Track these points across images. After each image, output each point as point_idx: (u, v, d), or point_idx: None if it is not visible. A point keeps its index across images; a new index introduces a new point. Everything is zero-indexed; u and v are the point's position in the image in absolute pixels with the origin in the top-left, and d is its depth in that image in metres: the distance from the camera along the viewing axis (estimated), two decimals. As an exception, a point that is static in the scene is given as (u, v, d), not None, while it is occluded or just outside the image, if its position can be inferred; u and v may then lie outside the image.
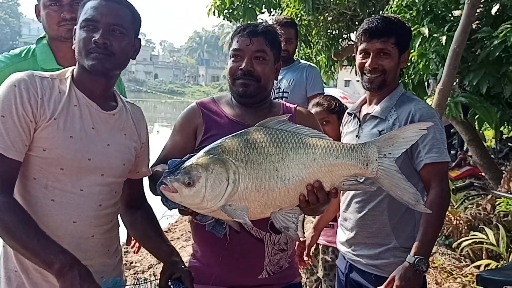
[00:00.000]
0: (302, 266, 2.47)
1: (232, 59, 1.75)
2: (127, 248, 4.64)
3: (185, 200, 1.38)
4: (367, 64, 2.03)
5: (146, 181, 1.80)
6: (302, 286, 1.91)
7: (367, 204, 2.03)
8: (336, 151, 1.46)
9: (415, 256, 1.80)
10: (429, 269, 4.05)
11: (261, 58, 1.72)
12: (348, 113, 2.27)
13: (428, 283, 3.88)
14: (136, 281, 1.64)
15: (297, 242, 2.16)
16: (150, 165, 1.77)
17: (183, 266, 1.56)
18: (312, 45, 7.48)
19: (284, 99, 3.36)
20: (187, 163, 1.40)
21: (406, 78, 4.80)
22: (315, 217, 2.48)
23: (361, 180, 1.61)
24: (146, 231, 1.71)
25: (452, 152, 8.54)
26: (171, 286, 1.53)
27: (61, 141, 1.46)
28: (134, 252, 2.67)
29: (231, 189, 1.38)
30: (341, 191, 2.14)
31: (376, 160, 1.47)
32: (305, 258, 2.41)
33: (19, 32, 79.26)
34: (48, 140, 1.45)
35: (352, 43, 7.90)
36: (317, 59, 7.72)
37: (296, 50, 3.83)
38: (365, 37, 2.03)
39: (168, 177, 1.37)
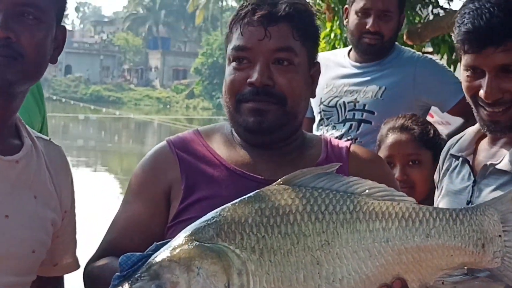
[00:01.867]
0: None
1: (234, 64, 1.26)
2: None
3: None
4: (484, 95, 1.33)
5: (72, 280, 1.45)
6: None
7: None
8: (426, 224, 1.05)
9: None
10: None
11: (285, 62, 1.22)
12: (452, 154, 1.54)
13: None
14: None
15: None
16: (80, 256, 1.36)
17: None
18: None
19: (364, 125, 2.23)
20: (153, 259, 0.99)
21: None
22: None
23: (477, 274, 1.14)
24: None
25: None
26: None
27: None
28: None
29: None
30: None
31: (500, 236, 1.07)
32: None
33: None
34: None
35: (441, 13, 4.69)
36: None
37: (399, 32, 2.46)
38: (471, 47, 1.31)
39: (121, 285, 0.98)
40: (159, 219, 1.27)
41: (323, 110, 2.34)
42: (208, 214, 1.05)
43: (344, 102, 2.29)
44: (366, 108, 2.27)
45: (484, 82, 1.32)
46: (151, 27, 58.70)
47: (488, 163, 1.41)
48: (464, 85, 1.40)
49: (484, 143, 1.50)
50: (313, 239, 1.02)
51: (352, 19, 2.29)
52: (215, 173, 1.27)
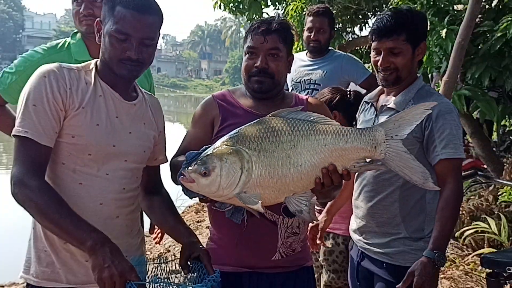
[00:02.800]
0: (314, 250, 2.52)
1: (247, 56, 1.81)
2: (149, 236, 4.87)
3: (202, 189, 1.46)
4: (378, 63, 2.02)
5: (163, 168, 1.89)
6: (313, 270, 1.98)
7: (377, 194, 2.07)
8: (346, 136, 1.52)
9: (434, 251, 1.83)
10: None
11: (275, 55, 1.78)
12: (365, 101, 2.27)
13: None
14: (158, 260, 1.72)
15: (309, 227, 2.22)
16: (170, 157, 1.86)
17: (201, 246, 1.63)
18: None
19: (315, 91, 3.32)
20: (203, 154, 1.48)
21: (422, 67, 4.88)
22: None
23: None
24: (164, 214, 1.79)
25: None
26: (191, 265, 1.59)
27: (89, 129, 1.56)
28: (155, 242, 2.76)
29: (245, 177, 1.45)
30: (355, 178, 2.21)
31: (384, 142, 1.52)
32: (318, 242, 2.45)
33: (22, 25, 79.11)
34: (77, 127, 1.55)
35: (356, 37, 7.99)
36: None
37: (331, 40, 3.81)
38: (375, 36, 2.02)
39: (186, 168, 1.46)
40: (208, 136, 1.82)
41: (293, 84, 3.51)
42: (231, 132, 1.54)
43: (304, 79, 3.47)
44: (316, 83, 3.43)
45: (380, 57, 2.01)
46: (202, 47, 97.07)
47: (383, 104, 2.10)
48: (372, 61, 2.08)
49: (382, 95, 2.18)
50: (287, 144, 1.49)
51: (305, 34, 3.54)
52: (236, 111, 1.84)
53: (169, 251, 4.76)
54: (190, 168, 1.45)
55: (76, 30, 2.28)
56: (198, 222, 5.72)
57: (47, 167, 1.56)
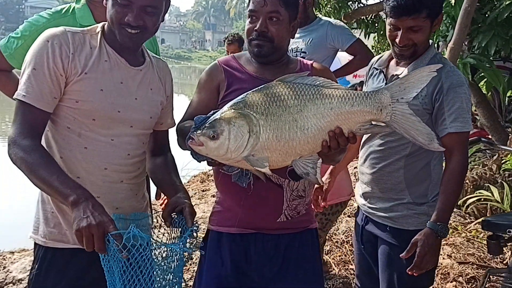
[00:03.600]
0: (318, 211, 2.52)
1: (249, 20, 1.81)
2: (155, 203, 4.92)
3: (211, 152, 1.48)
4: (397, 40, 1.96)
5: (171, 132, 1.93)
6: (317, 232, 2.01)
7: (383, 161, 2.08)
8: (351, 100, 1.52)
9: (438, 223, 1.86)
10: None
11: (274, 19, 1.76)
12: (374, 67, 2.22)
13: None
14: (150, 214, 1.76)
15: (314, 188, 2.24)
16: (177, 122, 1.87)
17: (185, 201, 1.62)
18: (320, 7, 7.46)
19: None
20: (212, 118, 1.49)
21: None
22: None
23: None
24: (163, 174, 1.80)
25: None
26: (173, 218, 1.60)
27: (92, 94, 1.58)
28: (162, 209, 2.84)
29: (253, 140, 1.47)
30: (361, 145, 2.23)
31: (390, 105, 1.53)
32: (322, 204, 2.46)
33: (24, -4, 78.50)
34: (80, 92, 1.57)
35: (362, 6, 7.89)
36: (326, 21, 7.72)
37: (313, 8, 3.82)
38: (393, 13, 1.94)
39: (195, 132, 1.47)
40: (214, 101, 1.83)
41: None
42: (238, 97, 1.53)
43: (291, 48, 3.51)
44: (302, 51, 3.50)
45: (399, 34, 1.95)
46: (206, 18, 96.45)
47: (394, 73, 2.01)
48: (387, 34, 2.02)
49: (392, 62, 2.13)
50: (293, 108, 1.49)
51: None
52: (242, 76, 1.84)
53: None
54: (199, 131, 1.47)
55: None
56: (203, 191, 5.77)
57: (54, 131, 1.60)
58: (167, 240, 1.64)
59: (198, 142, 1.46)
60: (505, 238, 2.53)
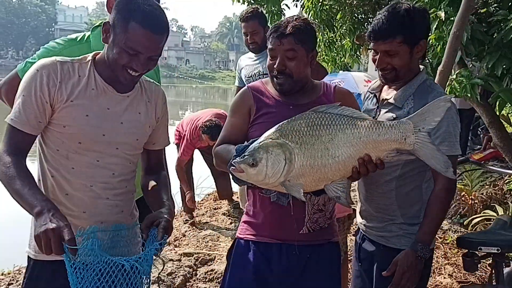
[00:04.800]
0: None
1: (269, 57, 1.96)
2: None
3: (251, 178, 1.64)
4: (377, 64, 2.05)
5: (168, 151, 2.09)
6: (339, 245, 2.12)
7: (375, 182, 2.13)
8: (378, 129, 1.65)
9: (419, 244, 1.92)
10: (440, 244, 4.23)
11: (291, 56, 1.90)
12: (368, 91, 2.31)
13: (437, 257, 4.05)
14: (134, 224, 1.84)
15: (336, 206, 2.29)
16: (215, 145, 2.02)
17: (165, 216, 1.68)
18: (335, 29, 7.57)
19: None
20: (251, 147, 1.65)
21: (426, 60, 4.88)
22: None
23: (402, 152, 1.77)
24: (153, 191, 1.88)
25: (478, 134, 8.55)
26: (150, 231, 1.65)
27: (78, 119, 1.70)
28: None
29: (288, 167, 1.62)
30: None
31: (413, 134, 1.65)
32: None
33: (54, 19, 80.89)
34: (67, 118, 1.69)
35: None
36: (342, 42, 7.79)
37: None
38: (371, 37, 2.03)
39: (236, 160, 1.63)
40: (246, 124, 1.99)
41: (246, 79, 3.88)
42: (276, 126, 1.68)
43: (254, 73, 3.86)
44: (263, 73, 3.71)
45: (377, 57, 2.03)
46: (230, 39, 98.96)
47: (384, 98, 2.14)
48: (371, 58, 2.11)
49: (385, 87, 2.20)
50: (325, 137, 1.64)
51: (244, 38, 4.05)
52: (269, 101, 1.99)
53: (184, 235, 4.93)
54: (239, 159, 1.62)
55: (96, 24, 2.40)
56: (215, 209, 5.88)
57: (44, 152, 1.75)
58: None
59: (239, 169, 1.62)
60: (478, 255, 2.57)
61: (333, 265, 2.04)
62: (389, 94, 2.15)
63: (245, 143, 1.75)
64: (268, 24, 4.16)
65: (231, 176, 1.74)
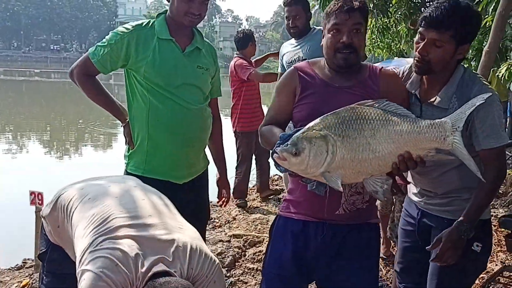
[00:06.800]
0: None
1: (332, 33, 1.93)
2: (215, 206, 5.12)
3: (292, 166, 1.69)
4: (418, 49, 2.00)
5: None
6: (378, 227, 2.14)
7: (436, 171, 2.10)
8: (419, 128, 1.68)
9: (464, 223, 1.95)
10: (494, 232, 4.09)
11: (358, 31, 1.92)
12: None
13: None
14: None
15: None
16: (261, 124, 2.10)
17: None
18: (390, 14, 7.40)
19: None
20: (294, 136, 1.69)
21: (483, 44, 4.71)
22: None
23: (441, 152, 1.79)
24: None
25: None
26: None
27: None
28: (220, 205, 3.14)
29: (330, 159, 1.65)
30: None
31: (452, 134, 1.67)
32: None
33: (115, 12, 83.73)
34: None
35: None
36: (397, 28, 7.62)
37: (311, 20, 4.18)
38: (424, 22, 1.98)
39: (279, 148, 1.68)
40: (291, 104, 2.01)
41: (287, 65, 3.96)
42: (320, 117, 1.71)
43: (294, 59, 3.90)
44: (303, 58, 3.71)
45: (421, 44, 1.98)
46: (284, 28, 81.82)
47: (428, 101, 2.05)
48: (415, 43, 2.04)
49: (423, 85, 2.11)
50: (367, 132, 1.66)
51: (286, 22, 4.09)
52: (314, 82, 2.00)
53: (234, 219, 5.05)
54: (283, 147, 1.67)
55: (161, 11, 2.58)
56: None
57: None
58: None
59: (281, 157, 1.67)
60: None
61: (370, 246, 2.06)
62: (431, 94, 2.09)
63: (290, 131, 1.78)
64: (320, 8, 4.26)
65: (272, 162, 1.78)
